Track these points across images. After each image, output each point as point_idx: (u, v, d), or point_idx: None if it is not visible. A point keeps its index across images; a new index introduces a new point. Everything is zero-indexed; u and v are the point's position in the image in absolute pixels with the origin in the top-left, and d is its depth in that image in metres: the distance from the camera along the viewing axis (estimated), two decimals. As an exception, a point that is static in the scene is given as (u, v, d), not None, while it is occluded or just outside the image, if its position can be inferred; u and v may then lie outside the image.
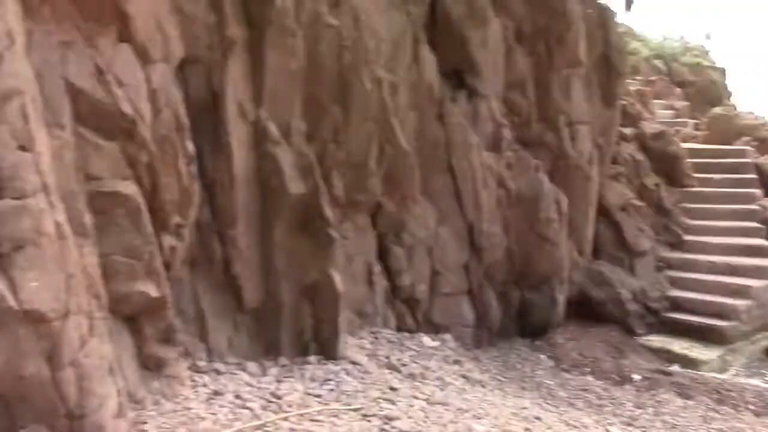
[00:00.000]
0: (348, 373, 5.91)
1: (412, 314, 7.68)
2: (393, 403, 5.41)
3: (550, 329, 8.93)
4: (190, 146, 5.11)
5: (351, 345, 6.55)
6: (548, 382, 7.54)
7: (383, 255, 7.50)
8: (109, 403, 4.04)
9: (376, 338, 7.08)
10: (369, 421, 4.99)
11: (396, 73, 7.13)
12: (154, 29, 4.74)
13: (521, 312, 8.84)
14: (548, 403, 6.64)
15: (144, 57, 4.65)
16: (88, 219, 4.22)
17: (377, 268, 7.36)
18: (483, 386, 6.56)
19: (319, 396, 5.38)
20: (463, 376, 6.65)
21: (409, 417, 5.12)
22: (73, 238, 3.96)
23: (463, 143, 7.92)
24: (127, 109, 4.45)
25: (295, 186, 5.97)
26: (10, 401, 3.73)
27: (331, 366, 5.98)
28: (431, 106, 7.72)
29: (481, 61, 8.14)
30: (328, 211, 6.11)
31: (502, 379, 7.26)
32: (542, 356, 8.42)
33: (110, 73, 4.42)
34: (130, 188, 4.51)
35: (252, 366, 5.74)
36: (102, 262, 4.36)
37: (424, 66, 7.60)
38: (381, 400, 5.44)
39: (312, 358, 6.05)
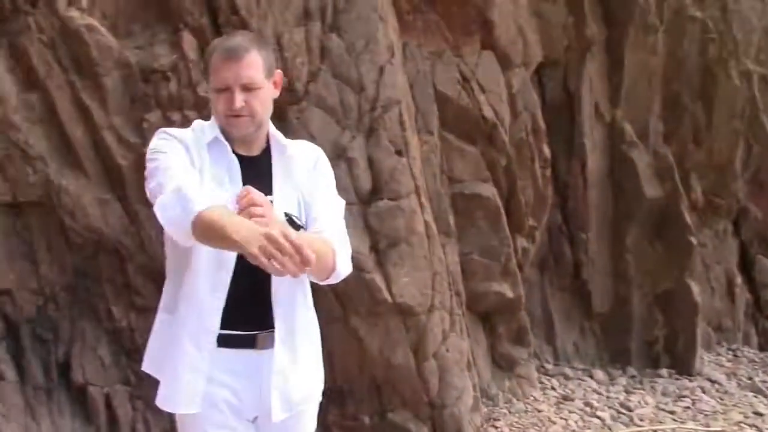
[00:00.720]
0: (705, 392, 5.50)
1: (778, 333, 6.90)
2: (759, 429, 4.91)
3: None
4: (546, 149, 5.13)
5: (707, 361, 6.09)
6: None
7: (746, 265, 6.83)
8: (465, 396, 4.21)
9: (736, 356, 6.50)
10: (732, 446, 4.60)
11: (768, 65, 6.45)
12: (515, 35, 4.83)
13: None
14: None
15: (505, 62, 4.76)
16: (451, 219, 4.44)
17: (739, 280, 6.73)
18: None
19: (672, 413, 5.08)
20: None
21: (779, 448, 4.63)
22: (438, 237, 4.19)
23: None
24: (488, 114, 4.60)
25: (652, 189, 5.69)
26: (381, 386, 4.08)
27: (685, 381, 5.62)
28: (810, 101, 6.85)
29: None
30: (687, 216, 5.72)
31: None
32: None
33: (474, 80, 4.60)
34: (489, 191, 4.65)
35: (599, 373, 5.60)
36: (462, 261, 4.57)
37: (803, 55, 6.76)
38: (744, 425, 4.98)
39: (663, 371, 5.73)
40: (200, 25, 3.65)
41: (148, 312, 3.79)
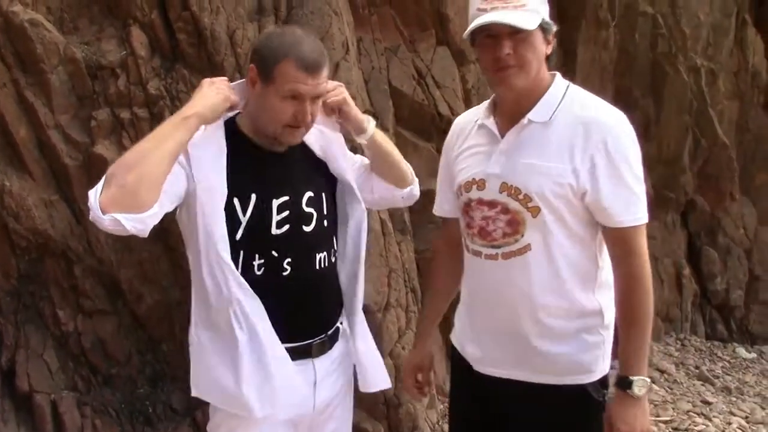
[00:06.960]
0: (654, 381, 5.60)
1: (724, 322, 7.07)
2: (708, 418, 5.03)
3: None
4: (501, 145, 5.12)
5: (656, 351, 6.20)
6: None
7: (694, 257, 6.97)
8: (422, 394, 4.19)
9: (683, 345, 6.64)
10: (681, 436, 4.70)
11: (716, 59, 6.55)
12: (470, 30, 4.79)
13: None
14: None
15: (460, 58, 4.72)
16: (407, 216, 4.41)
17: (686, 271, 6.87)
18: (813, 409, 5.85)
19: (623, 403, 5.16)
20: (788, 396, 5.99)
21: (727, 436, 4.74)
22: (394, 234, 4.16)
23: (792, 135, 7.08)
24: (443, 110, 4.57)
25: (603, 183, 5.74)
26: (336, 385, 4.03)
27: (636, 372, 5.70)
28: (756, 95, 6.98)
29: (818, 41, 7.18)
30: (637, 210, 5.79)
31: (836, 404, 6.41)
32: None
33: (429, 76, 4.56)
34: (444, 187, 4.61)
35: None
36: (417, 258, 4.54)
37: (749, 51, 6.88)
38: (693, 414, 5.08)
39: (615, 363, 5.81)
40: (150, 20, 3.54)
41: (97, 315, 3.71)
